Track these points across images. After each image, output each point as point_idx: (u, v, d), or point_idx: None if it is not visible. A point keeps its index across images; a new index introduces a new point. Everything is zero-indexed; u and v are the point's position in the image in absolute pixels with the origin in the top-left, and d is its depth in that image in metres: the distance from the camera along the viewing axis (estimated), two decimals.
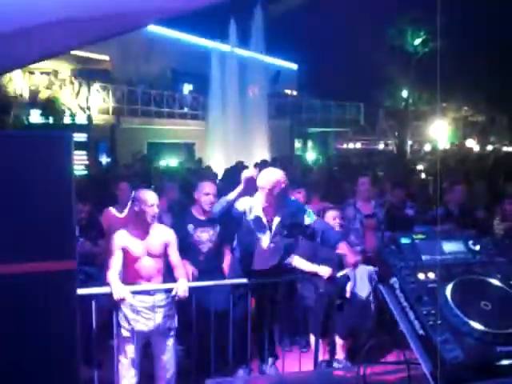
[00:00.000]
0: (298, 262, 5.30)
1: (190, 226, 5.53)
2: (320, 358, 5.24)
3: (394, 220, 6.74)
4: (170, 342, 4.93)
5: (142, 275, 4.83)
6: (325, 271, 5.16)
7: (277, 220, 4.96)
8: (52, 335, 2.88)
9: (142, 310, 4.78)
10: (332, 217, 5.79)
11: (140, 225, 4.85)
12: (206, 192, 5.64)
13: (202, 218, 5.62)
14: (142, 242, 4.83)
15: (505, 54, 31.91)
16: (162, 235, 4.92)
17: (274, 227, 4.98)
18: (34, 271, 2.69)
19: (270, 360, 5.42)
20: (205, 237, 5.56)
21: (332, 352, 5.37)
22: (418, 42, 32.17)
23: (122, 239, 4.83)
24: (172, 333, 4.93)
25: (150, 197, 4.83)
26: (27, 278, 2.70)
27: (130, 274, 4.84)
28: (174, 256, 4.94)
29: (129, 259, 4.82)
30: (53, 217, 2.67)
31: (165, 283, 4.90)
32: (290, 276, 5.34)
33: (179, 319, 4.95)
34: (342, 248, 5.10)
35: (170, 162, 16.94)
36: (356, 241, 6.65)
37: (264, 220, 4.94)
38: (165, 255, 4.92)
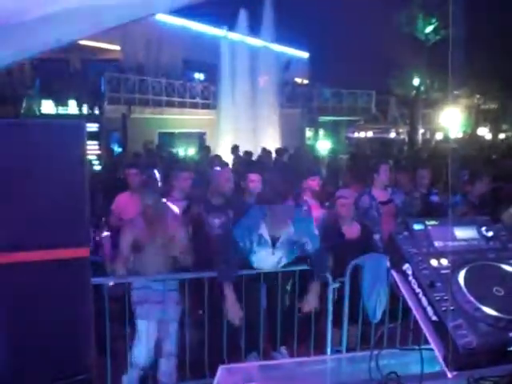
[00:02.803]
0: None
1: (204, 213, 5.58)
2: (332, 345, 5.26)
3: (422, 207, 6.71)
4: (177, 329, 5.02)
5: (151, 266, 4.89)
6: None
7: (283, 237, 4.77)
8: (66, 322, 2.91)
9: (151, 298, 4.85)
10: (341, 204, 5.77)
11: (149, 221, 4.95)
12: (226, 178, 5.72)
13: (217, 203, 5.66)
14: (153, 233, 4.89)
15: None
16: (171, 231, 4.99)
17: (278, 244, 4.80)
18: (48, 258, 2.71)
19: (282, 349, 5.42)
20: (217, 223, 5.59)
21: (345, 339, 5.37)
22: (429, 29, 31.89)
23: (134, 230, 4.91)
24: (177, 320, 5.02)
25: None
26: (40, 266, 2.72)
27: (139, 264, 4.93)
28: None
29: (139, 250, 4.89)
30: (66, 204, 2.69)
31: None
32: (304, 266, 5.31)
33: (192, 306, 5.00)
34: None
35: (183, 151, 16.84)
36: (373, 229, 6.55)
37: (267, 237, 4.74)
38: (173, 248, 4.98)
